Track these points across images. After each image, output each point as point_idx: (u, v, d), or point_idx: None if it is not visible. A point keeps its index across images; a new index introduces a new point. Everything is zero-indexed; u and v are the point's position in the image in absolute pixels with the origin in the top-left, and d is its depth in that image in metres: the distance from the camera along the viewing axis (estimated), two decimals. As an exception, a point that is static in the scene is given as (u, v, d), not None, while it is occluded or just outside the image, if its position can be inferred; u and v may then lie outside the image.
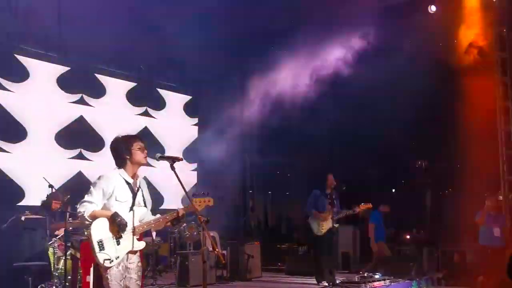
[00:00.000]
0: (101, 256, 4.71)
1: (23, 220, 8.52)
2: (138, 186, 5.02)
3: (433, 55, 11.80)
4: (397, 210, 14.38)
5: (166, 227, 5.31)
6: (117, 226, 4.71)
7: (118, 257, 4.76)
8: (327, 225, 9.87)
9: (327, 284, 9.67)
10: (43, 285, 8.01)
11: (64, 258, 7.97)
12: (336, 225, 9.96)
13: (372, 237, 11.74)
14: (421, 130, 13.07)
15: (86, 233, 4.81)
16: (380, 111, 12.77)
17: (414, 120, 12.87)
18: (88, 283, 7.06)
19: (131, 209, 4.89)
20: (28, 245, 8.19)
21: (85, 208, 4.75)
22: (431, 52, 11.80)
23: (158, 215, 5.11)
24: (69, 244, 7.89)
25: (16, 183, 10.58)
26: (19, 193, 10.58)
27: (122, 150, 4.93)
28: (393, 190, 17.00)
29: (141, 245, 4.94)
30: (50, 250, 8.50)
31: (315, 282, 10.03)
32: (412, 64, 11.90)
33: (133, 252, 4.88)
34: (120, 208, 4.81)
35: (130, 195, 4.93)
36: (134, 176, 4.99)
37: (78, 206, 4.82)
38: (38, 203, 9.50)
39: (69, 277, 7.86)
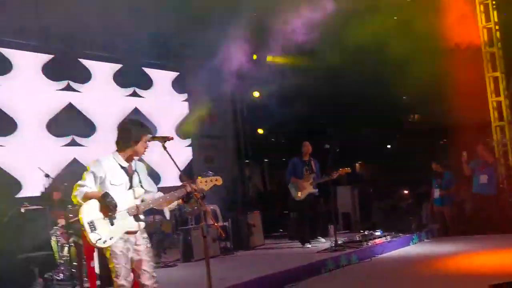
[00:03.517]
0: (93, 237, 4.76)
1: (23, 212, 8.56)
2: (133, 169, 5.06)
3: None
4: (394, 166, 14.47)
5: (179, 205, 5.31)
6: (107, 206, 4.75)
7: (112, 237, 4.80)
8: (305, 190, 10.37)
9: (310, 246, 10.15)
10: (50, 273, 8.10)
11: (67, 245, 8.06)
12: (315, 190, 10.35)
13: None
14: (410, 84, 13.07)
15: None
16: (370, 68, 12.75)
17: (402, 75, 12.87)
18: (93, 268, 7.15)
19: (127, 190, 4.95)
20: (31, 236, 8.23)
21: (78, 192, 4.82)
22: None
23: (159, 194, 5.15)
24: (72, 232, 7.96)
25: (12, 175, 10.59)
26: (16, 185, 10.59)
27: (132, 135, 4.95)
28: (388, 146, 17.09)
29: (138, 225, 4.96)
30: (53, 239, 8.59)
31: (316, 245, 10.23)
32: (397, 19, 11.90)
33: (131, 232, 4.91)
34: (116, 191, 4.85)
35: (126, 178, 4.97)
36: (129, 159, 5.03)
37: (72, 191, 4.88)
38: (37, 194, 9.56)
39: (75, 263, 7.95)
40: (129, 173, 5.02)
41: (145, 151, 5.05)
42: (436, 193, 11.68)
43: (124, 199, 4.89)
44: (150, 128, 5.13)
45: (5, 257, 7.49)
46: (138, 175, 5.08)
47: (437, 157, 12.34)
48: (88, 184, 4.84)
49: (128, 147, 4.97)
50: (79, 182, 4.87)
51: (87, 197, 4.80)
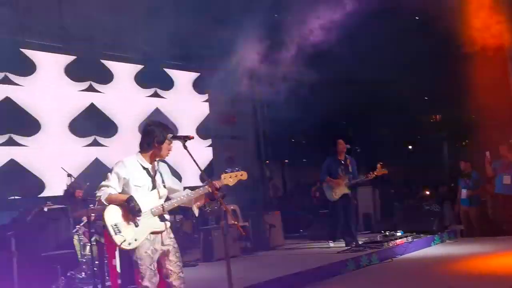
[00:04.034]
0: (118, 239, 4.77)
1: (46, 211, 8.66)
2: (156, 169, 5.08)
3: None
4: (416, 166, 14.38)
5: (202, 204, 5.29)
6: (131, 211, 4.76)
7: (137, 239, 4.81)
8: (340, 191, 10.09)
9: (333, 245, 10.09)
10: (72, 272, 8.19)
11: (89, 244, 8.14)
12: (349, 191, 10.07)
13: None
14: (432, 84, 12.98)
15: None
16: (390, 68, 12.67)
17: (425, 75, 12.78)
18: (115, 266, 7.20)
19: (150, 191, 4.97)
20: (53, 235, 8.35)
21: (102, 192, 4.84)
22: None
23: (186, 192, 5.14)
24: (93, 230, 8.04)
25: (35, 175, 10.74)
26: (40, 185, 10.75)
27: (155, 138, 4.95)
28: (410, 147, 16.98)
29: (163, 225, 4.96)
30: (75, 237, 8.68)
31: (335, 245, 10.20)
32: (419, 20, 11.80)
33: (156, 232, 4.92)
34: (139, 192, 4.87)
35: (149, 179, 4.99)
36: (152, 160, 5.05)
37: (96, 190, 4.91)
38: (60, 193, 9.68)
39: (96, 262, 8.03)
40: (152, 173, 5.03)
41: (168, 153, 5.06)
42: (464, 193, 11.55)
43: (147, 200, 4.90)
44: (173, 130, 5.14)
45: (28, 255, 7.58)
46: (161, 176, 5.10)
47: (456, 157, 12.24)
48: (112, 185, 4.86)
49: (151, 149, 5.00)
50: (103, 183, 4.89)
51: (111, 200, 4.82)
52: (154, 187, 5.00)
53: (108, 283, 7.61)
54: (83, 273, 8.55)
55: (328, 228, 10.64)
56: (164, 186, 5.07)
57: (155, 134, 4.96)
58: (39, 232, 8.26)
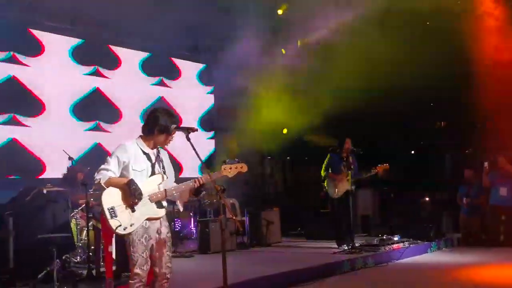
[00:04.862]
0: (113, 223, 4.73)
1: (45, 193, 8.65)
2: (156, 155, 5.05)
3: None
4: (417, 172, 14.31)
5: (186, 199, 5.33)
6: (132, 194, 4.73)
7: (133, 224, 4.77)
8: (342, 187, 9.97)
9: (347, 248, 9.75)
10: (67, 255, 8.18)
11: (86, 229, 8.13)
12: (353, 187, 9.96)
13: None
14: (438, 90, 12.90)
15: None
16: (397, 73, 12.61)
17: (431, 81, 12.70)
18: (111, 253, 7.18)
19: (149, 177, 4.94)
20: (51, 217, 8.31)
21: (102, 175, 4.79)
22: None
23: (174, 184, 5.12)
24: (91, 215, 8.03)
25: (37, 156, 10.74)
26: (40, 166, 10.75)
27: (158, 124, 4.91)
28: (412, 152, 16.89)
29: (160, 212, 4.94)
30: (73, 221, 8.68)
31: (334, 246, 10.12)
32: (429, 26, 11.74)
33: (152, 219, 4.89)
34: (137, 177, 4.84)
35: (148, 164, 4.95)
36: (153, 146, 5.02)
37: (95, 174, 4.87)
38: (59, 176, 9.67)
39: (92, 247, 8.02)
40: (152, 159, 4.99)
41: (168, 143, 5.03)
42: (465, 201, 11.52)
43: (146, 185, 4.86)
44: (178, 120, 5.09)
45: (26, 236, 7.57)
46: (162, 163, 5.07)
47: (458, 165, 12.19)
48: (112, 169, 4.82)
49: (152, 135, 4.97)
50: (103, 166, 4.85)
51: (110, 183, 4.78)
52: (153, 173, 4.97)
53: (102, 269, 7.61)
54: (78, 257, 8.56)
55: (334, 230, 10.36)
56: (164, 173, 5.05)
57: (159, 122, 4.92)
58: (37, 214, 8.23)
